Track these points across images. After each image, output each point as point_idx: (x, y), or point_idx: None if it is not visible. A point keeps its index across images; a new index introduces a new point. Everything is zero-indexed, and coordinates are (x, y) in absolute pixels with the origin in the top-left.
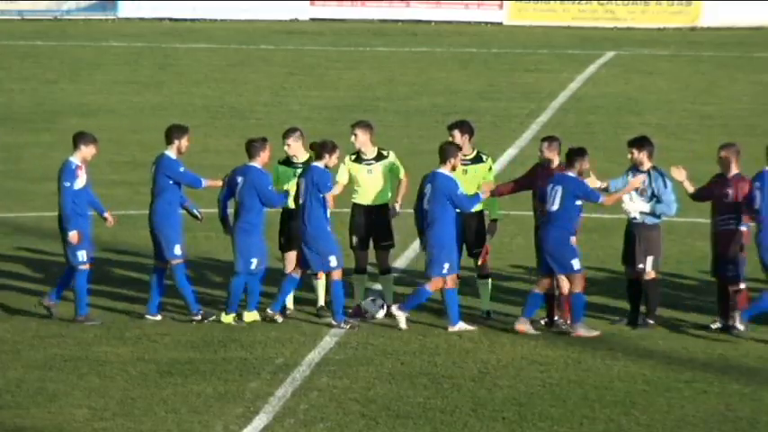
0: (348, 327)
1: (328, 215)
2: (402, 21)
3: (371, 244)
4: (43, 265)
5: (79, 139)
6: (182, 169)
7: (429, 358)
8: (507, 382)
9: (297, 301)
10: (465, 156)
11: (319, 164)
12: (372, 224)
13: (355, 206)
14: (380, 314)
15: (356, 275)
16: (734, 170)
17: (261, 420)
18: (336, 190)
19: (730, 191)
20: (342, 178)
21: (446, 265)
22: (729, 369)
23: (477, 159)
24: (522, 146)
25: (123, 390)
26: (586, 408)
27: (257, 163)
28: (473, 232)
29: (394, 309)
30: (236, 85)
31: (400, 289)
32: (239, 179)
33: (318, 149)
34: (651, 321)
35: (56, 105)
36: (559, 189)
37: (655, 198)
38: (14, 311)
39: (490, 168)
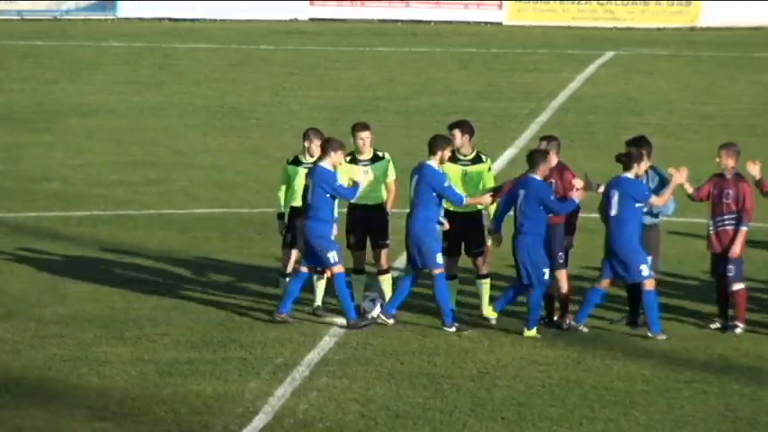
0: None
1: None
2: (402, 21)
3: (368, 244)
4: (43, 265)
5: (329, 145)
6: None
7: (429, 358)
8: (507, 382)
9: (295, 300)
10: (465, 156)
11: (326, 163)
12: (369, 224)
13: (351, 206)
14: (375, 311)
15: (354, 275)
16: (733, 170)
17: (261, 420)
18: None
19: (730, 191)
20: (341, 179)
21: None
22: (729, 369)
23: (477, 159)
24: (522, 146)
25: (123, 390)
26: (586, 408)
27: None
28: (472, 232)
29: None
30: (236, 85)
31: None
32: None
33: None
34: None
35: (56, 105)
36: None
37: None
38: (14, 311)
39: (489, 168)
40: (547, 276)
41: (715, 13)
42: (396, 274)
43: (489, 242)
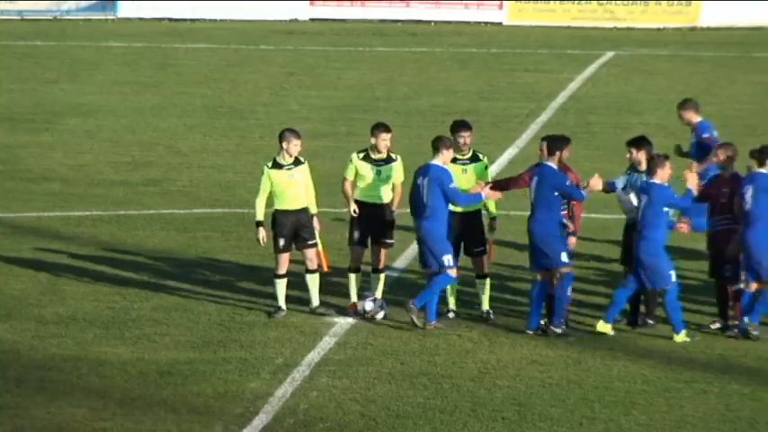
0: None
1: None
2: (402, 21)
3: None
4: (43, 265)
5: (441, 143)
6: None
7: (429, 358)
8: (507, 382)
9: (294, 300)
10: (463, 155)
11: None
12: (374, 222)
13: (359, 203)
14: (380, 314)
15: (351, 274)
16: (731, 170)
17: (261, 420)
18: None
19: (727, 191)
20: (350, 174)
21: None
22: (729, 369)
23: (475, 158)
24: (522, 146)
25: (123, 390)
26: (586, 408)
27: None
28: (472, 231)
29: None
30: (236, 85)
31: (401, 289)
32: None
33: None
34: (651, 321)
35: (55, 105)
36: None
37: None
38: (14, 311)
39: (486, 167)
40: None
41: (715, 13)
42: (396, 274)
43: (492, 239)
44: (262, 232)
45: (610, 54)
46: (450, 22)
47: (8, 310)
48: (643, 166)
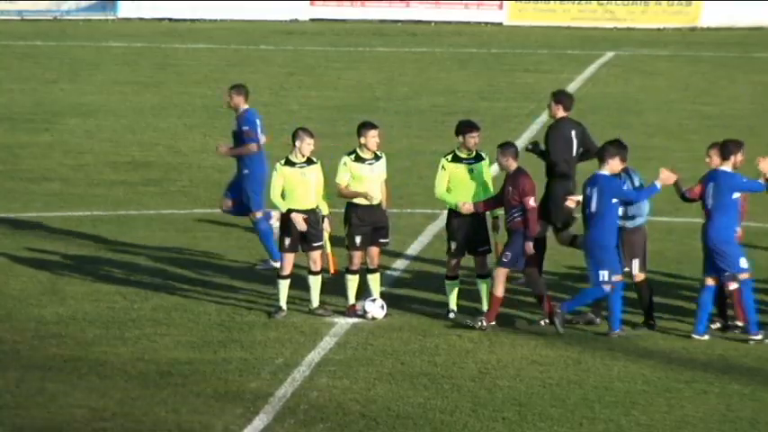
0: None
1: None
2: (402, 21)
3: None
4: (43, 265)
5: (606, 152)
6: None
7: (429, 358)
8: (507, 382)
9: (294, 300)
10: (469, 155)
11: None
12: (372, 223)
13: (356, 206)
14: (381, 314)
15: (351, 276)
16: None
17: (261, 420)
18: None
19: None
20: (343, 179)
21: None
22: (729, 369)
23: (479, 157)
24: (523, 146)
25: (123, 390)
26: (586, 408)
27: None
28: (477, 231)
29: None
30: None
31: (402, 289)
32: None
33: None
34: (651, 322)
35: (55, 105)
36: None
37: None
38: (14, 311)
39: (489, 165)
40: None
41: (715, 13)
42: (397, 273)
43: (495, 236)
44: (297, 216)
45: (610, 54)
46: (450, 23)
47: (8, 310)
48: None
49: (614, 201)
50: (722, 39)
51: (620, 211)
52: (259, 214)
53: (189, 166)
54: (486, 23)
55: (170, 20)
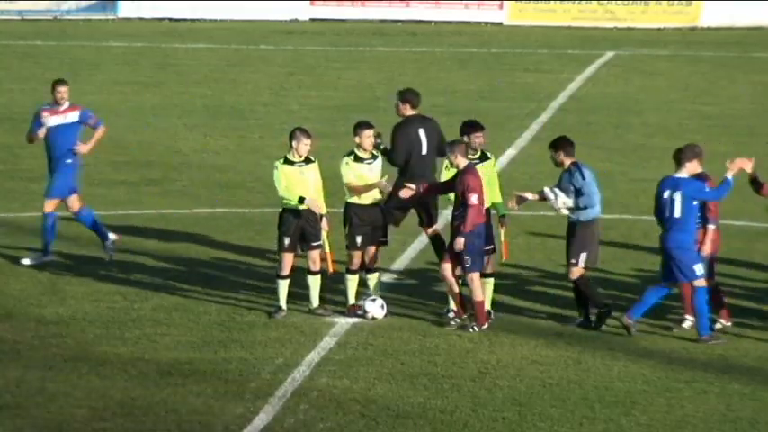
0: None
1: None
2: (402, 21)
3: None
4: (43, 265)
5: (683, 155)
6: None
7: (429, 358)
8: (507, 382)
9: (294, 300)
10: (475, 155)
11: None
12: (372, 222)
13: (355, 206)
14: (381, 314)
15: (351, 275)
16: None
17: (261, 420)
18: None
19: None
20: (350, 178)
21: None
22: (729, 369)
23: (484, 157)
24: (522, 146)
25: (123, 390)
26: (586, 408)
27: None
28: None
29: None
30: (236, 85)
31: (402, 289)
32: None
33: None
34: (590, 318)
35: None
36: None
37: (577, 192)
38: (14, 311)
39: (494, 164)
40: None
41: (715, 13)
42: (397, 273)
43: (502, 235)
44: (312, 201)
45: (610, 54)
46: (450, 22)
47: (8, 310)
48: (566, 165)
49: (695, 203)
50: (722, 39)
51: (572, 202)
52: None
53: (189, 166)
54: (487, 23)
55: (170, 20)
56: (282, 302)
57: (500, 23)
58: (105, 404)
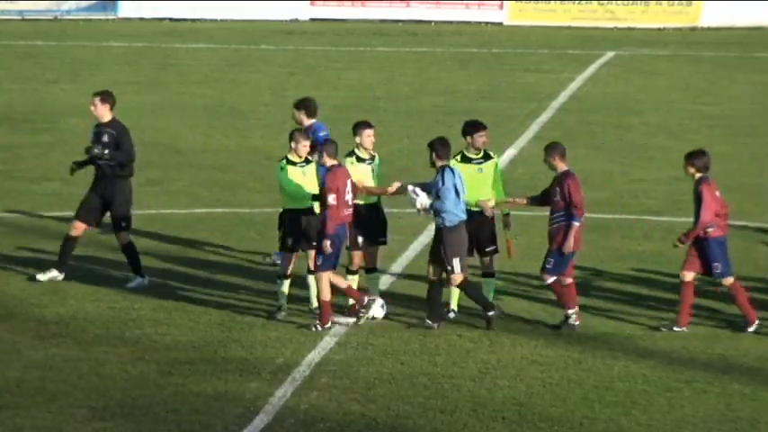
0: None
1: None
2: (402, 21)
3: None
4: (43, 265)
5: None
6: None
7: (429, 358)
8: (507, 382)
9: (294, 300)
10: (478, 155)
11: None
12: (371, 222)
13: (355, 206)
14: (381, 314)
15: (351, 276)
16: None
17: (261, 420)
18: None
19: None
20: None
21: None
22: (729, 369)
23: (487, 156)
24: (522, 146)
25: (123, 390)
26: (586, 408)
27: None
28: (484, 231)
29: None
30: (236, 85)
31: (403, 289)
32: None
33: None
34: (491, 314)
35: (56, 105)
36: None
37: (436, 195)
38: (14, 311)
39: (497, 165)
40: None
41: (715, 13)
42: (397, 273)
43: (506, 234)
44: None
45: (610, 54)
46: (450, 22)
47: (8, 310)
48: (438, 165)
49: None
50: (722, 39)
51: (429, 204)
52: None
53: (189, 166)
54: (487, 23)
55: (170, 20)
56: (283, 302)
57: (500, 23)
58: (105, 404)
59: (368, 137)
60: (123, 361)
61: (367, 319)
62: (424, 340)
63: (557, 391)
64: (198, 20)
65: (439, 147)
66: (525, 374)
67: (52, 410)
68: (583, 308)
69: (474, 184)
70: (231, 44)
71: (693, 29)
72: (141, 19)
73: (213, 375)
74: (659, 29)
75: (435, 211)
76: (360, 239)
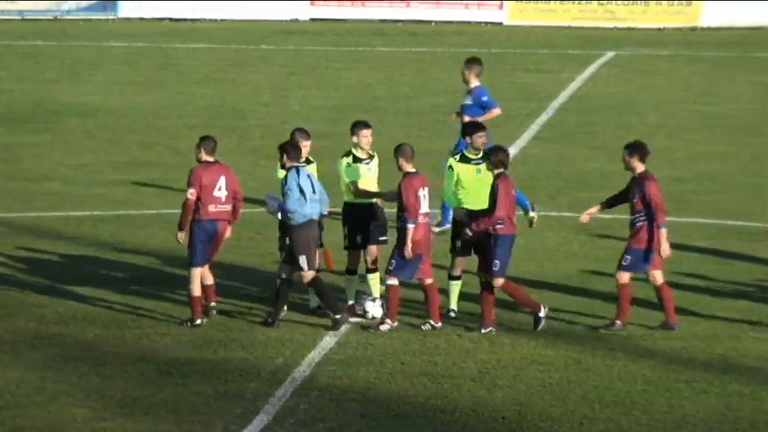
0: None
1: None
2: (402, 21)
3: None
4: (43, 265)
5: None
6: None
7: (429, 358)
8: (507, 382)
9: (294, 300)
10: (477, 155)
11: None
12: (370, 222)
13: (354, 206)
14: (381, 314)
15: (351, 276)
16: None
17: (261, 420)
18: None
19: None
20: (354, 178)
21: None
22: (729, 369)
23: (486, 157)
24: (522, 146)
25: (123, 390)
26: (586, 408)
27: None
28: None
29: None
30: (236, 85)
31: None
32: None
33: None
34: (337, 316)
35: (56, 105)
36: None
37: (283, 195)
38: (14, 311)
39: None
40: None
41: (715, 13)
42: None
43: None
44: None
45: (610, 54)
46: (450, 22)
47: (8, 310)
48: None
49: None
50: (722, 39)
51: (277, 205)
52: None
53: (189, 166)
54: (487, 23)
55: (170, 20)
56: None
57: (500, 23)
58: (105, 404)
59: (365, 137)
60: (123, 361)
61: (366, 318)
62: (424, 340)
63: (557, 391)
64: (198, 20)
65: (290, 149)
66: (525, 374)
67: (52, 410)
68: (583, 308)
69: (473, 184)
70: (231, 44)
71: (693, 29)
72: (141, 19)
73: (213, 375)
74: (659, 29)
75: (282, 211)
76: (358, 239)
